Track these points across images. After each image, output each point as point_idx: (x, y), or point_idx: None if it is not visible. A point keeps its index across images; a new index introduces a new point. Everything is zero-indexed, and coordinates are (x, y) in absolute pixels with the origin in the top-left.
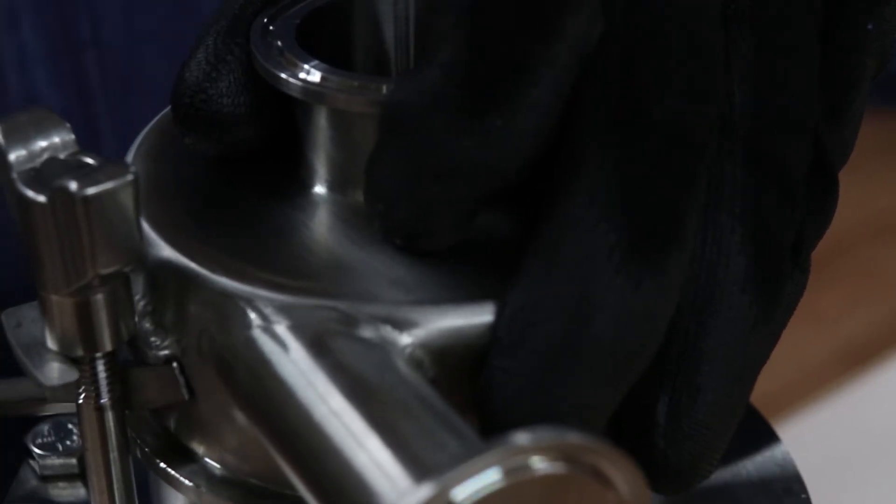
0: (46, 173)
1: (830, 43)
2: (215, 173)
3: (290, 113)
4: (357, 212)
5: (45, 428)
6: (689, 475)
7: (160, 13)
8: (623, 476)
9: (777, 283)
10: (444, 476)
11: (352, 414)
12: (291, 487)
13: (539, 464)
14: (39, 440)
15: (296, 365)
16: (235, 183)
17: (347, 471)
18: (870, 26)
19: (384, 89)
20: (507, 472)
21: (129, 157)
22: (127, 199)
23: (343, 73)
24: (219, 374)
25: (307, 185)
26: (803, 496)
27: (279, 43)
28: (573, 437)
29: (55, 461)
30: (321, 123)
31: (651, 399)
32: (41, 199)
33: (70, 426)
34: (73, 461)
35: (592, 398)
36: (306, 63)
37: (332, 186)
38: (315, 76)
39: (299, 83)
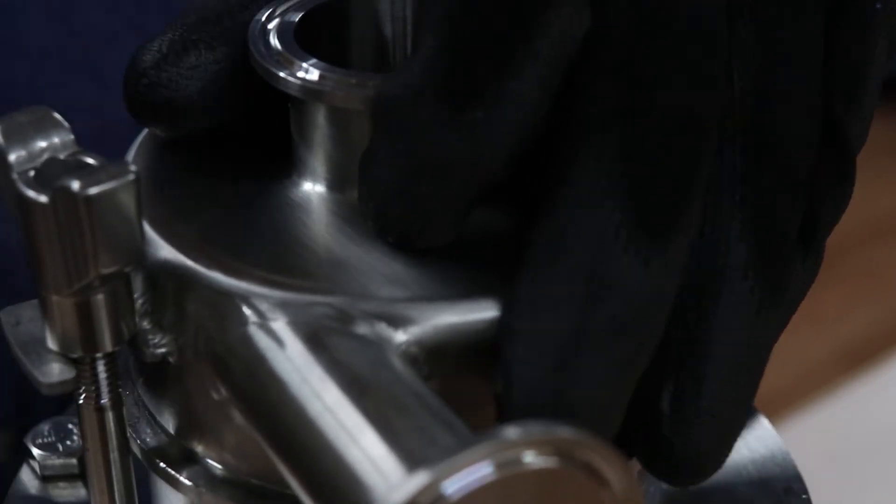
0: (47, 174)
1: (840, 25)
2: (213, 173)
3: (273, 105)
4: (355, 209)
5: (45, 428)
6: (697, 465)
7: None
8: (616, 473)
9: (781, 268)
10: (435, 469)
11: (346, 410)
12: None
13: (531, 458)
14: (39, 440)
15: (291, 361)
16: (233, 182)
17: (341, 466)
18: (878, 5)
19: None
20: (499, 466)
21: (130, 157)
22: (129, 199)
23: (341, 71)
24: (215, 371)
25: (304, 184)
26: (804, 496)
27: (276, 41)
28: (566, 433)
29: (55, 461)
30: (319, 121)
31: (655, 389)
32: (42, 199)
33: (70, 426)
34: (74, 461)
35: (613, 380)
36: (304, 61)
37: (330, 184)
38: (313, 74)
39: (297, 81)
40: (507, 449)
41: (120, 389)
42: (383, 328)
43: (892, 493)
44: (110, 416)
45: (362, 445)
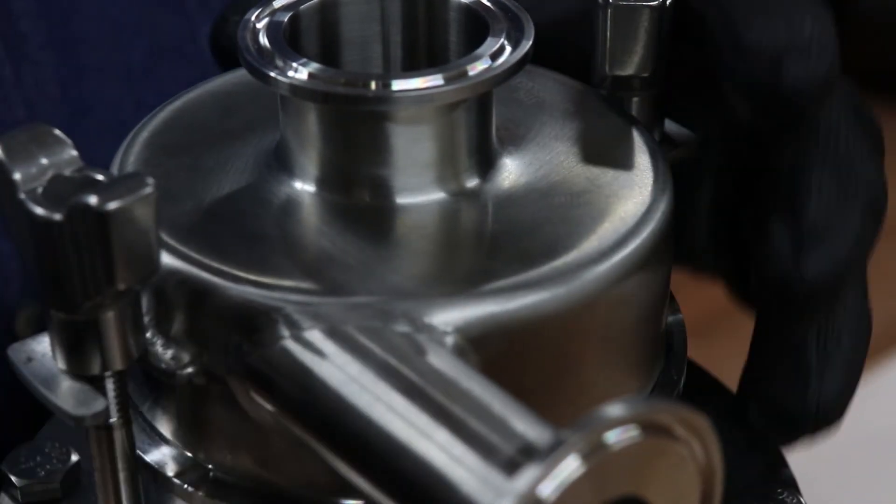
0: (56, 191)
1: None
2: (206, 187)
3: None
4: (349, 209)
5: (22, 454)
6: (834, 410)
7: None
8: (696, 430)
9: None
10: (530, 473)
11: (412, 410)
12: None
13: (614, 438)
14: (18, 467)
15: (341, 369)
16: (227, 193)
17: (424, 469)
18: None
19: (372, 85)
20: (586, 457)
21: (115, 168)
22: (147, 213)
23: (331, 71)
24: (256, 387)
25: (296, 184)
26: (800, 498)
27: (266, 41)
28: (641, 406)
29: (36, 487)
30: (309, 121)
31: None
32: (56, 217)
33: (48, 449)
34: (56, 485)
35: None
36: (294, 61)
37: (322, 184)
38: (303, 73)
39: (287, 81)
40: (590, 437)
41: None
42: (426, 324)
43: (893, 494)
44: (119, 434)
45: (441, 444)
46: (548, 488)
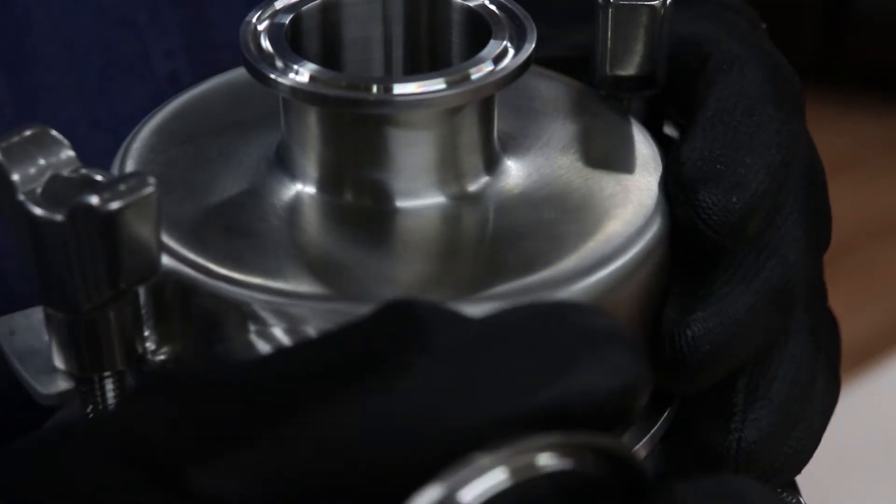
0: (56, 192)
1: None
2: (204, 179)
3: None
4: (346, 212)
5: None
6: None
7: None
8: (627, 469)
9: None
10: (450, 479)
11: None
12: None
13: (545, 461)
14: None
15: None
16: (224, 187)
17: None
18: None
19: (373, 88)
20: (514, 472)
21: (115, 168)
22: (149, 212)
23: (331, 73)
24: None
25: (296, 185)
26: (800, 498)
27: (267, 43)
28: (576, 435)
29: None
30: (310, 123)
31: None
32: (58, 217)
33: None
34: None
35: None
36: (295, 63)
37: (321, 186)
38: (303, 76)
39: (287, 83)
40: (520, 454)
41: None
42: None
43: (893, 494)
44: None
45: None
46: (469, 494)
